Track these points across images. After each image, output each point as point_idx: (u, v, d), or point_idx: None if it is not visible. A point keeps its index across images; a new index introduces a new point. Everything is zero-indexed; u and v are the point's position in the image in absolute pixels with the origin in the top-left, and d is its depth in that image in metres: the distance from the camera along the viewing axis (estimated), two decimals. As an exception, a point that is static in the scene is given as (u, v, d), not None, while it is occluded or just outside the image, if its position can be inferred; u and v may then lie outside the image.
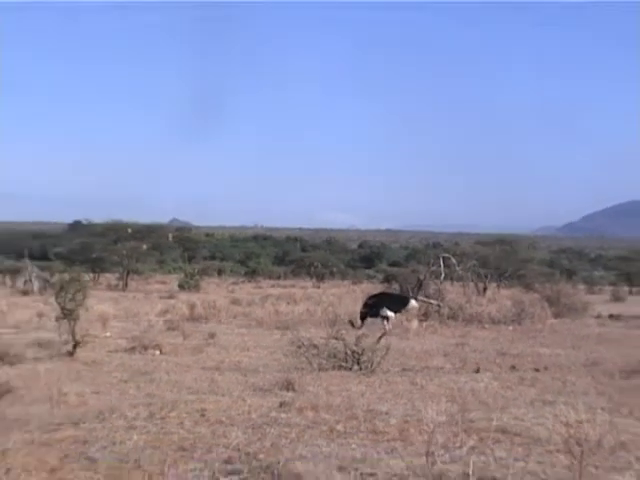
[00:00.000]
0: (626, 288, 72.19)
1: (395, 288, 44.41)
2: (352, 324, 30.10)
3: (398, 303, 32.33)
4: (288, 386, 18.17)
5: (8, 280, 60.59)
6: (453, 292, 44.38)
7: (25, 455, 12.45)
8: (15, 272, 61.43)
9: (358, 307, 32.97)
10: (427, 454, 11.57)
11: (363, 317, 30.96)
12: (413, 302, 32.94)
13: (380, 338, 23.91)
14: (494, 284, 58.46)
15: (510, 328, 34.66)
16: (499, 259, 69.09)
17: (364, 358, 21.30)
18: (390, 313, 30.69)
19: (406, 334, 30.54)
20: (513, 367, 22.30)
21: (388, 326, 28.29)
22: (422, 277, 43.24)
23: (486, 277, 58.52)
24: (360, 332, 23.32)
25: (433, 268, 47.53)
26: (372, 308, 31.52)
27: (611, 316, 41.94)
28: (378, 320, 30.95)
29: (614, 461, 12.33)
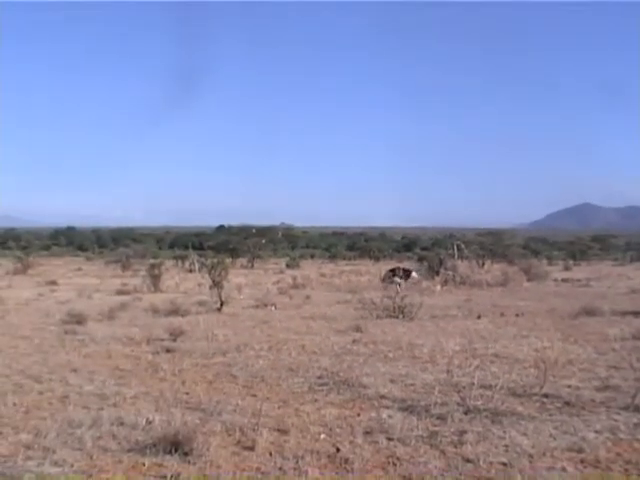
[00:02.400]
0: (571, 262, 71.94)
1: (424, 264, 44.72)
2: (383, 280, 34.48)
3: (399, 273, 36.64)
4: (357, 329, 18.27)
5: (180, 263, 61.14)
6: (462, 266, 44.14)
7: (193, 372, 12.72)
8: (184, 258, 62.06)
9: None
10: (447, 371, 11.65)
11: (384, 280, 34.95)
12: (414, 274, 37.50)
13: (397, 293, 24.24)
14: (489, 261, 58.20)
15: (499, 289, 34.48)
16: (492, 244, 69.05)
17: (406, 310, 21.38)
18: (398, 279, 33.78)
19: (432, 294, 30.47)
20: (502, 314, 22.24)
21: (399, 287, 28.78)
22: (442, 257, 43.54)
23: (483, 256, 58.28)
24: (400, 293, 23.35)
25: (450, 251, 47.67)
26: (390, 275, 36.02)
27: (563, 280, 41.81)
28: (394, 282, 33.35)
29: (565, 372, 12.33)
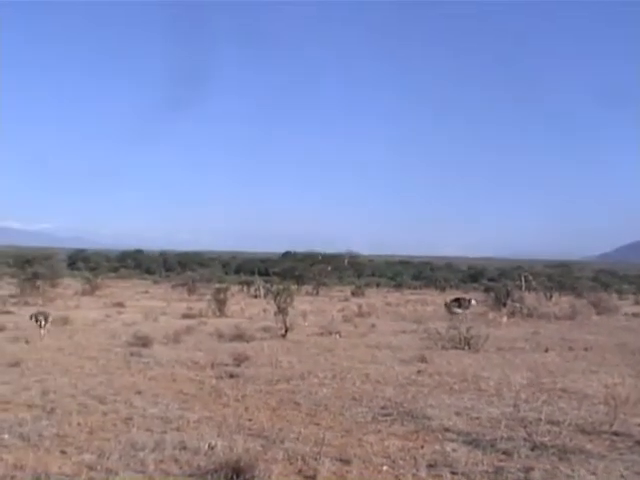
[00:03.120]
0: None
1: (490, 295, 44.18)
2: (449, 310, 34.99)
3: (465, 303, 36.46)
4: (422, 359, 18.12)
5: (245, 288, 61.48)
6: (530, 298, 43.63)
7: (256, 399, 12.73)
8: (249, 283, 62.38)
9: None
10: (514, 405, 11.49)
11: (448, 309, 35.14)
12: (473, 302, 37.19)
13: (460, 322, 24.33)
14: (557, 293, 57.28)
15: (567, 322, 33.89)
16: (560, 276, 68.03)
17: (472, 341, 21.15)
18: (458, 310, 34.54)
19: (499, 326, 30.05)
20: (570, 348, 21.82)
21: (460, 316, 30.48)
22: (509, 288, 42.93)
23: (551, 288, 57.36)
24: (463, 324, 23.12)
25: (517, 282, 47.07)
26: (451, 305, 36.16)
27: (633, 314, 40.87)
28: (454, 312, 34.64)
29: (636, 410, 12.04)
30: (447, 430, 10.46)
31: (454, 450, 9.25)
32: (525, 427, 10.10)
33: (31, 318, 23.21)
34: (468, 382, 15.03)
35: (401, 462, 8.67)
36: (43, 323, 22.59)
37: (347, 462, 8.57)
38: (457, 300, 39.21)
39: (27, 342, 20.54)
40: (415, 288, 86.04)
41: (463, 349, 20.87)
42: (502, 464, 8.63)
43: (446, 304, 37.86)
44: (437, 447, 9.43)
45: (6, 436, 9.49)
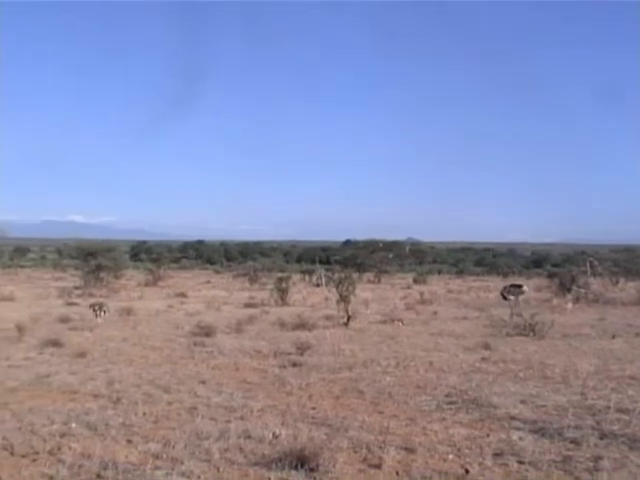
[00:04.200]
0: None
1: (554, 281, 43.52)
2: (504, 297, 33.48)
3: (517, 290, 34.41)
4: (486, 346, 17.98)
5: (307, 277, 61.66)
6: (595, 284, 42.97)
7: (319, 387, 12.76)
8: (311, 272, 62.53)
9: (526, 294, 34.49)
10: (581, 393, 11.34)
11: (503, 297, 33.48)
12: (525, 288, 35.19)
13: (512, 309, 24.09)
14: (623, 278, 56.20)
15: (634, 308, 33.25)
16: (626, 261, 66.80)
17: (537, 328, 20.90)
18: (511, 296, 32.84)
19: (564, 312, 29.64)
20: (637, 334, 21.44)
21: (512, 302, 30.47)
22: (574, 274, 42.36)
23: (617, 274, 56.34)
24: (520, 311, 22.83)
25: (582, 268, 46.39)
26: (505, 292, 34.18)
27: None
28: (510, 298, 33.01)
29: None
30: (513, 418, 10.35)
31: (520, 439, 9.16)
32: (593, 415, 9.98)
33: (90, 308, 24.27)
34: (533, 369, 14.86)
35: (466, 451, 8.61)
36: (101, 313, 23.70)
37: (412, 451, 8.54)
38: (510, 287, 38.89)
39: (91, 331, 20.91)
40: (477, 275, 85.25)
41: (527, 336, 20.65)
42: (570, 453, 8.51)
43: (501, 291, 37.62)
44: (503, 436, 9.35)
45: (74, 425, 9.66)
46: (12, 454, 8.39)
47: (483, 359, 16.20)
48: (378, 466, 7.94)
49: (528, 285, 38.75)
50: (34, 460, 8.15)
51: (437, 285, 57.93)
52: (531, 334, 20.73)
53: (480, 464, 8.08)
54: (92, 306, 24.31)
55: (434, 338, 20.32)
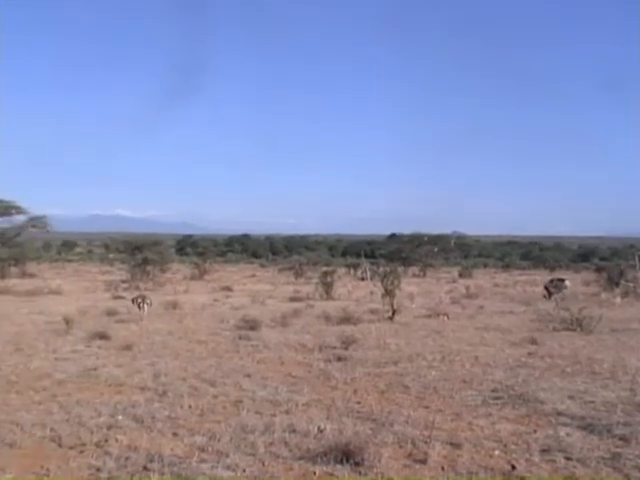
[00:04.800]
0: None
1: (602, 275, 43.08)
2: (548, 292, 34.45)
3: (560, 284, 35.63)
4: (532, 341, 17.82)
5: (352, 271, 61.70)
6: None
7: (364, 382, 12.75)
8: (356, 266, 62.56)
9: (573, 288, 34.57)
10: (631, 389, 11.19)
11: (547, 291, 34.44)
12: (567, 282, 36.45)
13: (557, 303, 24.08)
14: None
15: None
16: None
17: (584, 322, 20.66)
18: (552, 290, 34.01)
19: (612, 307, 29.26)
20: (688, 330, 21.11)
21: (554, 297, 31.02)
22: (622, 268, 41.91)
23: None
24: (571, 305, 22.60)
25: (631, 262, 45.73)
26: (548, 287, 35.21)
27: None
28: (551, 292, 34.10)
29: None
30: (560, 414, 10.24)
31: (568, 435, 9.05)
32: (643, 411, 9.82)
33: (133, 302, 24.64)
34: (581, 365, 14.68)
35: (513, 447, 8.54)
36: (144, 306, 24.01)
37: (458, 446, 8.50)
38: (553, 281, 38.56)
39: (137, 324, 21.14)
40: (524, 269, 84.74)
41: (575, 330, 20.40)
42: (619, 450, 8.40)
43: (544, 286, 37.38)
44: (550, 432, 9.25)
45: (120, 417, 9.77)
46: (60, 446, 8.50)
47: (530, 354, 16.05)
48: (423, 461, 7.91)
49: (575, 279, 38.48)
50: (81, 452, 8.25)
51: (483, 279, 57.69)
52: (578, 329, 20.48)
53: (527, 460, 8.00)
54: (135, 299, 24.69)
55: (480, 332, 20.19)
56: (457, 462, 7.91)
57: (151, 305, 24.47)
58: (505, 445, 8.60)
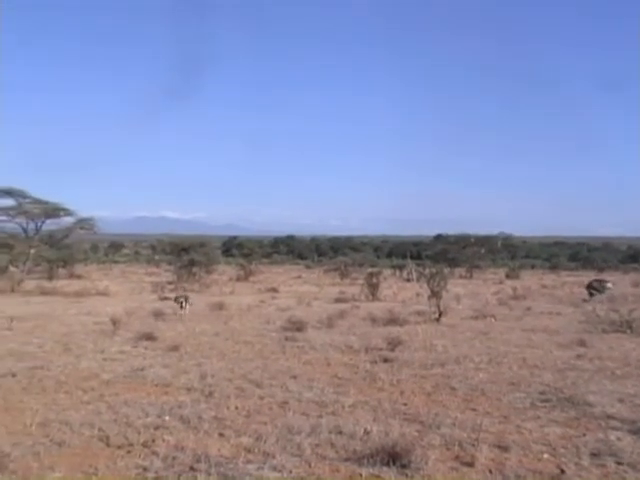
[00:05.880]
0: None
1: None
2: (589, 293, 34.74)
3: (601, 286, 35.43)
4: (581, 343, 17.63)
5: (397, 272, 61.58)
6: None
7: (411, 383, 12.71)
8: (401, 267, 62.44)
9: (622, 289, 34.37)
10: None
11: (589, 292, 34.49)
12: (609, 284, 36.13)
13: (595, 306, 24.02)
14: None
15: None
16: None
17: (634, 324, 20.40)
18: (594, 291, 34.24)
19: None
20: None
21: (597, 297, 31.63)
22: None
23: None
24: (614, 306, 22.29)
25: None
26: (590, 287, 35.24)
27: None
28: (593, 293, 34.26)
29: None
30: (610, 418, 10.11)
31: (619, 439, 8.94)
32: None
33: (175, 300, 25.41)
34: (631, 367, 14.49)
35: (562, 450, 8.45)
36: (186, 305, 24.65)
37: (505, 449, 8.43)
38: (594, 282, 38.19)
39: (184, 325, 21.31)
40: (571, 270, 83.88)
41: (625, 332, 20.16)
42: (672, 455, 8.28)
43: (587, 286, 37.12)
44: (600, 435, 9.14)
45: (167, 418, 9.84)
46: (108, 445, 8.59)
47: (578, 356, 15.88)
48: (471, 464, 7.86)
49: (624, 280, 38.02)
50: (129, 451, 8.33)
51: (530, 280, 57.18)
52: (628, 331, 20.23)
53: (576, 464, 7.92)
54: (177, 298, 25.42)
55: (527, 334, 20.01)
56: (505, 465, 7.85)
57: (192, 305, 24.85)
58: (554, 448, 8.51)
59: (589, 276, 59.29)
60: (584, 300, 33.04)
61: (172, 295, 30.82)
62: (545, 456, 8.22)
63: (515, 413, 10.42)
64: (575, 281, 52.86)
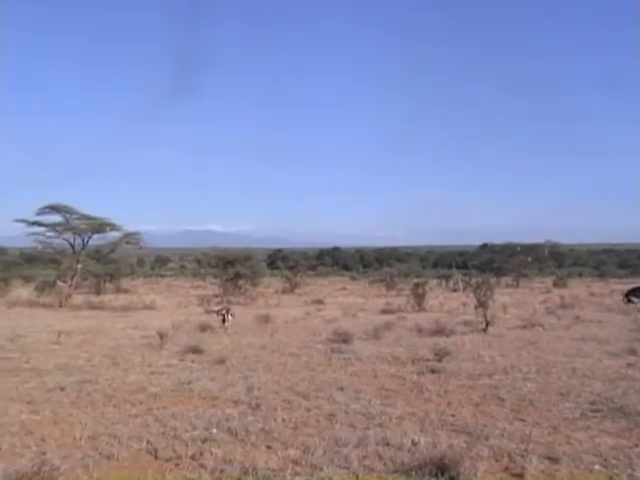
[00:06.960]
0: None
1: None
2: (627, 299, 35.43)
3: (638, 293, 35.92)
4: (632, 352, 17.39)
5: (443, 282, 61.33)
6: None
7: (458, 394, 12.62)
8: (447, 277, 62.20)
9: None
10: None
11: (627, 300, 35.11)
12: None
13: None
14: None
15: None
16: None
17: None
18: (635, 298, 34.61)
19: None
20: None
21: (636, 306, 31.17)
22: None
23: None
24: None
25: None
26: (628, 295, 35.80)
27: None
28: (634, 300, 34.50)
29: None
30: (663, 428, 9.95)
31: (672, 449, 8.78)
32: None
33: (217, 313, 25.53)
34: (684, 376, 14.25)
35: (614, 461, 8.32)
36: (228, 317, 24.65)
37: (556, 460, 8.32)
38: (634, 290, 37.74)
39: (230, 338, 21.39)
40: (621, 277, 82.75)
41: (677, 341, 19.84)
42: None
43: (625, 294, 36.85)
44: (654, 446, 8.99)
45: (215, 431, 9.87)
46: (156, 458, 8.63)
47: (629, 365, 15.65)
48: (520, 475, 7.77)
49: None
50: (177, 464, 8.36)
51: (578, 288, 56.60)
52: (681, 339, 19.92)
53: (629, 476, 7.79)
54: (219, 311, 25.58)
55: (576, 343, 19.78)
56: (555, 477, 7.76)
57: (234, 317, 24.96)
58: (605, 459, 8.38)
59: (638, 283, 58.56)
60: (630, 302, 33.02)
61: (218, 309, 31.05)
62: (596, 467, 8.10)
63: (565, 423, 10.29)
64: (624, 289, 52.23)
